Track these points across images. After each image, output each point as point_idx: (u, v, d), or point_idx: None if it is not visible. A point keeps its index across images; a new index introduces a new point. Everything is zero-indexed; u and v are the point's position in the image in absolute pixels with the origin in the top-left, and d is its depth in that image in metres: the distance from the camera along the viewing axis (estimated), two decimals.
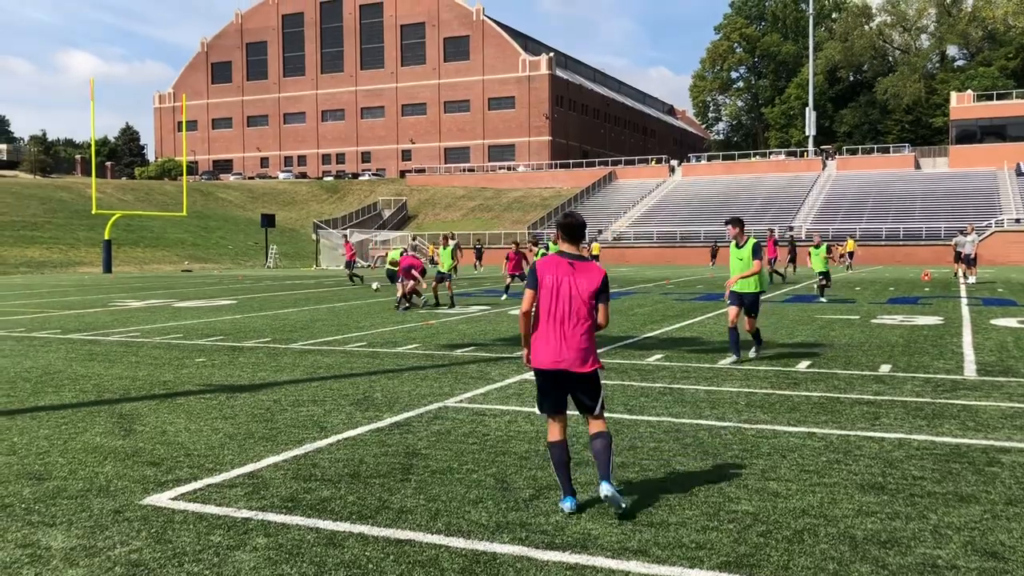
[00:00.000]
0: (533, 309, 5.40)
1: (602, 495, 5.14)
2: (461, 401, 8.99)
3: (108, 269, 48.80)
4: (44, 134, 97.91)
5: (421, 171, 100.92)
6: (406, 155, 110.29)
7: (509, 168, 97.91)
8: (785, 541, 4.77)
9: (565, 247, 5.49)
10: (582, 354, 5.28)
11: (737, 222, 11.58)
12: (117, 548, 4.76)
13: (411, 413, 8.38)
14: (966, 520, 5.11)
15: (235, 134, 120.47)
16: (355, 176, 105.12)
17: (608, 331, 15.61)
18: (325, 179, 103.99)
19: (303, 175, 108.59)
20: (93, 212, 44.99)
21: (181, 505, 5.52)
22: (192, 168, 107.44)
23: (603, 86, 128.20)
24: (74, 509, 5.48)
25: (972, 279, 31.79)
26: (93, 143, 45.36)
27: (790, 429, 7.58)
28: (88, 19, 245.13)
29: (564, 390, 5.37)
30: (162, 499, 5.67)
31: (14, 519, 5.29)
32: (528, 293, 5.41)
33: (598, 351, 5.51)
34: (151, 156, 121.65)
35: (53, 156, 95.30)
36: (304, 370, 11.32)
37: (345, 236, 38.61)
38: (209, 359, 12.43)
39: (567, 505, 5.28)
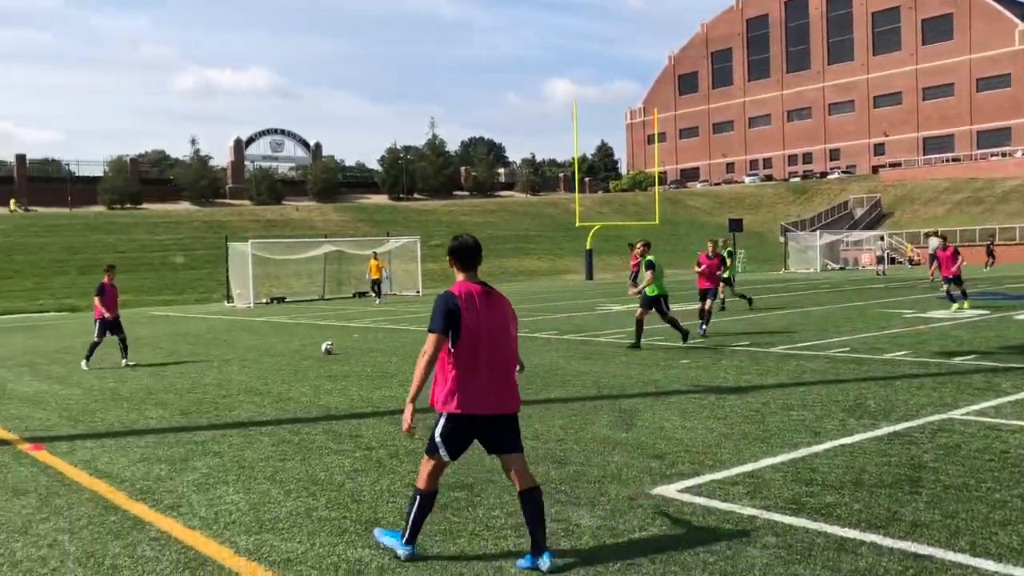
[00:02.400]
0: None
1: (546, 568, 4.57)
2: (968, 414, 8.23)
3: (590, 276, 52.89)
4: (533, 156, 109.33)
5: (896, 165, 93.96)
6: (879, 149, 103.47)
7: (1004, 155, 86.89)
8: None
9: (464, 275, 4.85)
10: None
11: None
12: (636, 532, 5.18)
13: (910, 424, 7.89)
14: None
15: (701, 142, 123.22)
16: (823, 175, 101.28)
17: None
18: (791, 180, 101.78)
19: (768, 178, 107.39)
20: (576, 224, 49.22)
21: (688, 498, 5.83)
22: (662, 178, 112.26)
23: None
24: (593, 493, 6.07)
25: None
26: (576, 162, 49.64)
27: None
28: (565, 48, 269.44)
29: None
30: (669, 490, 6.03)
31: (546, 497, 6.01)
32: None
33: None
34: (623, 169, 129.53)
35: (540, 176, 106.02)
36: (788, 374, 11.22)
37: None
38: (694, 361, 12.89)
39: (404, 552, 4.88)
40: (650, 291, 14.95)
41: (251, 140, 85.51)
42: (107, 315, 14.92)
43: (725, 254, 22.26)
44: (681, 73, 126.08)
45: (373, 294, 33.94)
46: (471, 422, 4.71)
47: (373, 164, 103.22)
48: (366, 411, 9.79)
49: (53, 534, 5.63)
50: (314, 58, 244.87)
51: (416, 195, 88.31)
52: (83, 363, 14.83)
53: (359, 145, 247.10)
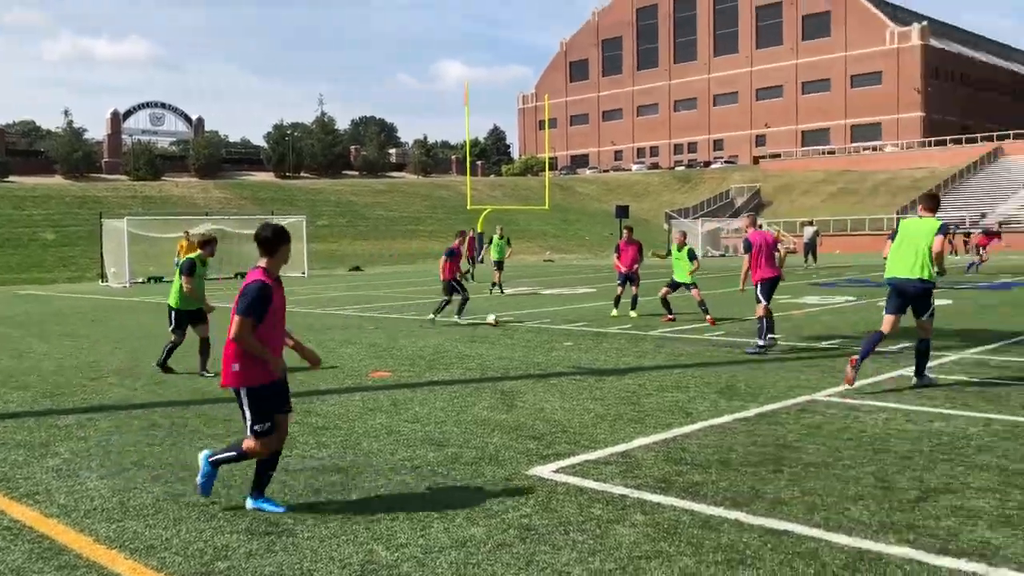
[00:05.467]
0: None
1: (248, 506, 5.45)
2: (831, 395, 8.63)
3: (479, 260, 52.96)
4: (425, 138, 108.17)
5: (776, 156, 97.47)
6: (760, 140, 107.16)
7: (874, 148, 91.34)
8: None
9: (269, 264, 5.43)
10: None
11: None
12: (510, 512, 5.22)
13: (777, 405, 8.21)
14: None
15: (591, 129, 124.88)
16: (707, 164, 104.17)
17: (1001, 325, 14.06)
18: (677, 169, 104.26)
19: (655, 166, 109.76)
20: (468, 207, 49.21)
21: (562, 478, 5.92)
22: (552, 164, 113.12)
23: (987, 52, 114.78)
24: (469, 474, 6.09)
25: None
26: (468, 145, 49.57)
27: None
28: (459, 29, 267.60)
29: None
30: (545, 471, 6.11)
31: (423, 479, 6.00)
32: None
33: None
34: (515, 154, 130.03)
35: (433, 157, 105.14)
36: (665, 356, 11.52)
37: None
38: (576, 343, 13.09)
39: None
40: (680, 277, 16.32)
41: (129, 113, 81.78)
42: None
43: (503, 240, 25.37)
44: (572, 60, 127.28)
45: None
46: None
47: (259, 141, 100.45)
48: None
49: None
50: (199, 29, 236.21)
51: (304, 173, 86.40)
52: None
53: (245, 122, 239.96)
